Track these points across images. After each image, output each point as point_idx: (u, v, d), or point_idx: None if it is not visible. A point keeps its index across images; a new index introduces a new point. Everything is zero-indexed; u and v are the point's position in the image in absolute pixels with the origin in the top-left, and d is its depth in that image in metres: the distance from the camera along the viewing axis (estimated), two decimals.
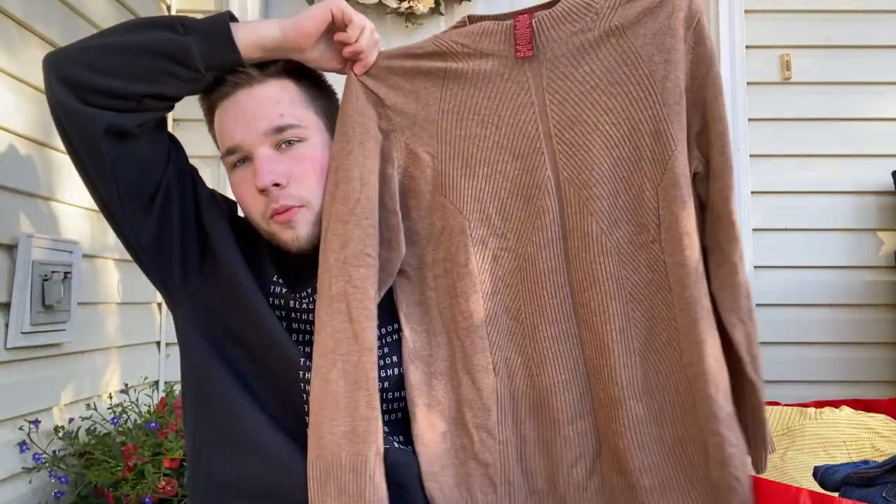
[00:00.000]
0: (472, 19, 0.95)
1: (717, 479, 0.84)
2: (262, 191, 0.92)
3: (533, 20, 0.90)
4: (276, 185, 0.91)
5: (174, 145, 0.98)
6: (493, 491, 0.89)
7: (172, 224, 0.95)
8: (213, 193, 1.01)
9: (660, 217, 0.89)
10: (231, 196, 1.02)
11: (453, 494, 0.89)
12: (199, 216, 0.97)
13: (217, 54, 0.89)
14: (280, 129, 0.92)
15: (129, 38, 0.88)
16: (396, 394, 0.95)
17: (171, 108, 0.94)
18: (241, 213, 1.03)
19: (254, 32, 0.91)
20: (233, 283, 0.94)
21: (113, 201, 0.91)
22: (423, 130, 0.93)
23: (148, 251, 0.95)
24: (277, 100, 0.93)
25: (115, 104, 0.87)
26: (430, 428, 0.91)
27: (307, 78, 0.98)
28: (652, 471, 0.88)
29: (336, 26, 0.93)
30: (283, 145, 0.93)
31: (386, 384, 0.94)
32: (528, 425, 0.92)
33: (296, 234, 0.93)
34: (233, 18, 0.91)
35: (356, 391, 0.84)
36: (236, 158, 0.95)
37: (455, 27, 0.96)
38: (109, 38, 0.90)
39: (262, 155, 0.92)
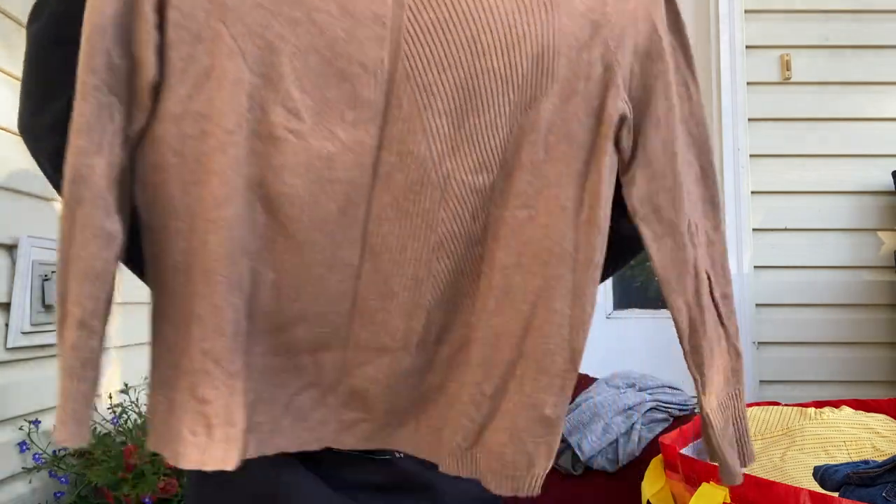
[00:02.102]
0: None
1: (447, 443, 0.76)
2: None
3: None
4: None
5: None
6: (206, 433, 0.69)
7: None
8: None
9: (503, 158, 0.70)
10: None
11: (163, 424, 0.71)
12: None
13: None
14: None
15: (25, 62, 0.76)
16: None
17: None
18: None
19: None
20: None
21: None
22: None
23: None
24: None
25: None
26: (157, 337, 0.71)
27: None
28: (396, 411, 0.77)
29: None
30: None
31: None
32: (258, 351, 0.73)
33: None
34: None
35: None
36: None
37: None
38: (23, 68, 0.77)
39: None
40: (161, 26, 0.66)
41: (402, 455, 0.83)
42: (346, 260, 0.72)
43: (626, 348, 2.26)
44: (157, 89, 0.66)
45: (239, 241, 0.69)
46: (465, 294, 0.76)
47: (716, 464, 0.76)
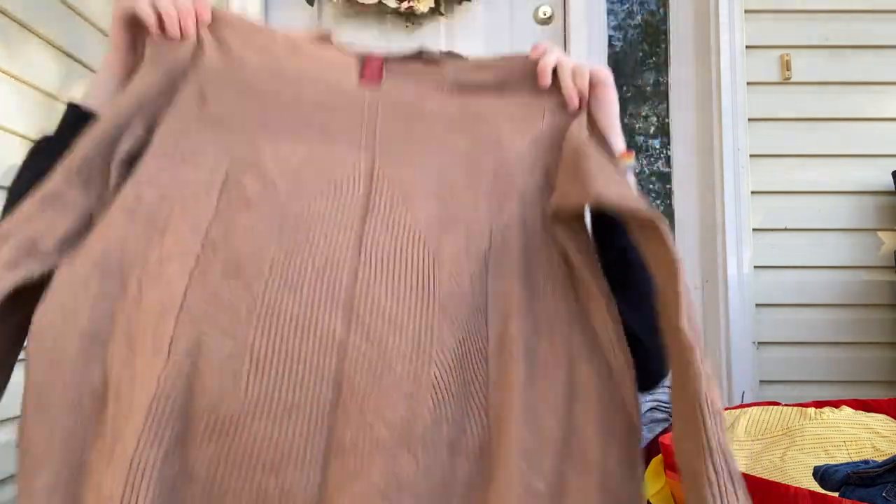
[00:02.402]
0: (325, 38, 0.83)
1: None
2: None
3: (384, 62, 0.81)
4: None
5: None
6: None
7: None
8: None
9: (493, 237, 0.70)
10: None
11: None
12: None
13: None
14: None
15: (17, 183, 0.76)
16: None
17: None
18: None
19: (92, 87, 0.80)
20: None
21: None
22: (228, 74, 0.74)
23: None
24: None
25: None
26: (48, 427, 0.61)
27: None
28: None
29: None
30: None
31: None
32: (203, 458, 0.57)
33: None
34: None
35: None
36: None
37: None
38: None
39: None
40: (151, 124, 0.70)
41: None
42: (327, 328, 0.60)
43: None
44: (128, 167, 0.69)
45: (183, 297, 0.59)
46: (473, 381, 0.63)
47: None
